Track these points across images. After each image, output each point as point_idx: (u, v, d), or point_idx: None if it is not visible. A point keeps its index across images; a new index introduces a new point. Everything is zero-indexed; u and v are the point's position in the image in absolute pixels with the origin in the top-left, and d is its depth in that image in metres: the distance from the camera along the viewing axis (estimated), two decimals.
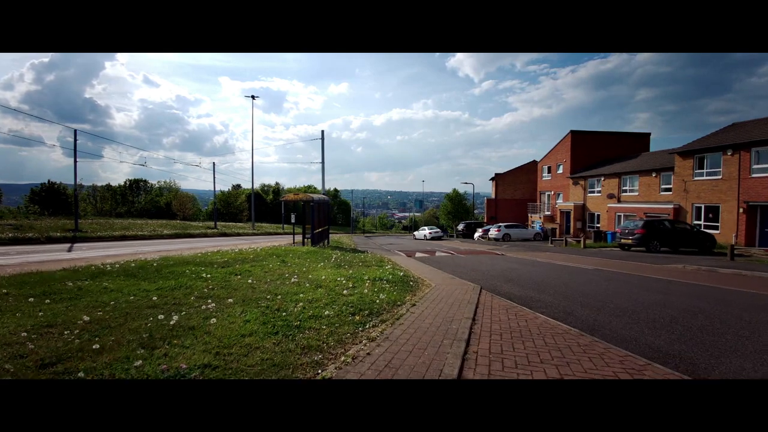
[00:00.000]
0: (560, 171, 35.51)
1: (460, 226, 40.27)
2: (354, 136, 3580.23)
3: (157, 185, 65.93)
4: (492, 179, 47.69)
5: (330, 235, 20.59)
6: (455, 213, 55.80)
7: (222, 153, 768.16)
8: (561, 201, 34.99)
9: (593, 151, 33.65)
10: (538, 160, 41.71)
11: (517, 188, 45.16)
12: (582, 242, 20.88)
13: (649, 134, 35.91)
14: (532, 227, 34.49)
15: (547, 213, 37.14)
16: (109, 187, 59.91)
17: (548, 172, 37.88)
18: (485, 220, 44.47)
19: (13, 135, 61.56)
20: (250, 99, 40.69)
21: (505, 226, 30.62)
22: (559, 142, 35.87)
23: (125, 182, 61.83)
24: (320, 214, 18.78)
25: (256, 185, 63.62)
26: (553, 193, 36.77)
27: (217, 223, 43.35)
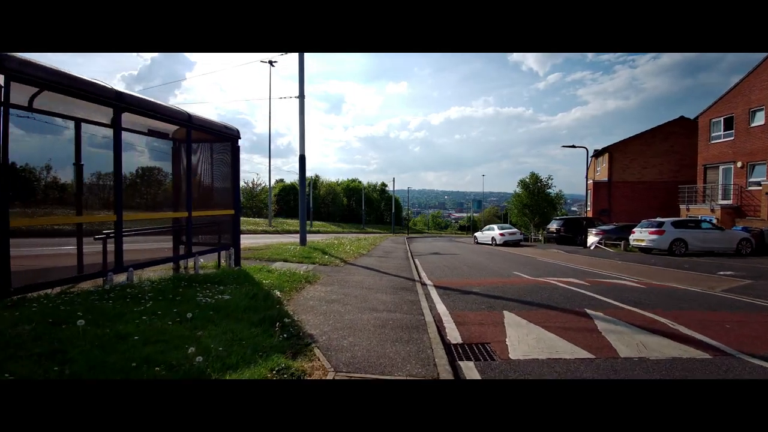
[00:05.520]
0: (759, 122, 18.86)
1: (554, 225, 24.78)
2: (412, 136, 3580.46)
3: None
4: (597, 154, 31.01)
5: (349, 234, 8.92)
6: (534, 207, 39.39)
7: (285, 155, 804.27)
8: (765, 178, 18.38)
9: None
10: (690, 117, 24.91)
11: (647, 164, 27.96)
12: None
13: None
14: (708, 224, 18.05)
15: (723, 202, 20.52)
16: None
17: (726, 129, 21.13)
18: (590, 215, 28.31)
19: (106, 139, 60.29)
20: (268, 64, 30.47)
21: (673, 224, 15.00)
22: (755, 68, 19.19)
23: (136, 170, 54.06)
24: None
25: (295, 178, 53.53)
26: (740, 164, 20.04)
27: None
